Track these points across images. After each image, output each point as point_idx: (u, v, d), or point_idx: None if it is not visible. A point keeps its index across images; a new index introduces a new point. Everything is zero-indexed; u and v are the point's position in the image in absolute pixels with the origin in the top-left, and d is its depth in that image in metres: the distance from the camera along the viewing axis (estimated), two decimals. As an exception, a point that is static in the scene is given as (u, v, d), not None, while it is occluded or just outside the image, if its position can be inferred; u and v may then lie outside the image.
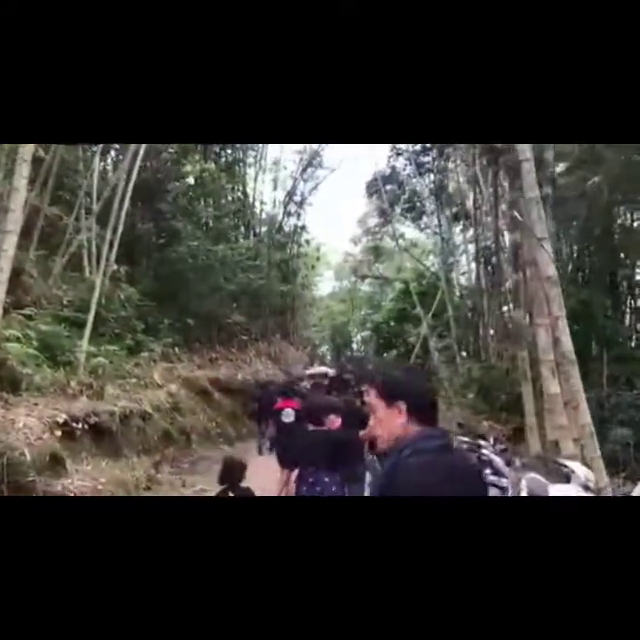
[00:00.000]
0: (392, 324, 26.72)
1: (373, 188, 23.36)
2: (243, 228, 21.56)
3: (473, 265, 18.35)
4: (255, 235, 22.45)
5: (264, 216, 23.71)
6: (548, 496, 4.11)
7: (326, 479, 4.00)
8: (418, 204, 22.02)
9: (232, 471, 4.05)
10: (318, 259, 28.02)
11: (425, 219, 22.50)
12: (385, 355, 27.22)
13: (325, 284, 47.49)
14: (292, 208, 25.02)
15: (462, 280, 21.79)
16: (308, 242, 26.33)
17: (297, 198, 25.22)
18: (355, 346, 45.69)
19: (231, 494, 3.90)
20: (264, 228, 23.53)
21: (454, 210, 20.67)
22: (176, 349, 14.10)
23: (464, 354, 18.68)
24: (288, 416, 7.62)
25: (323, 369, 22.15)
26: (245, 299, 18.79)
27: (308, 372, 20.72)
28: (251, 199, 23.05)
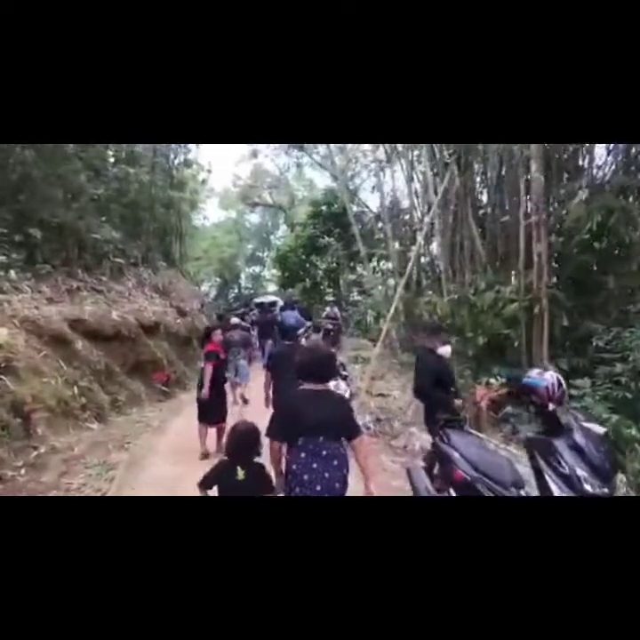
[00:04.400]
0: (300, 254, 22.63)
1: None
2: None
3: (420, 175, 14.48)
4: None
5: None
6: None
7: (342, 450, 3.27)
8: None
9: (243, 440, 3.28)
10: (210, 171, 22.76)
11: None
12: (290, 290, 23.32)
13: (209, 213, 42.21)
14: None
15: (390, 198, 17.98)
16: (197, 147, 20.99)
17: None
18: (242, 282, 41.32)
19: (241, 470, 3.20)
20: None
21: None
22: (11, 273, 9.08)
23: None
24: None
25: (271, 298, 21.04)
26: (119, 209, 13.57)
27: (256, 300, 19.72)
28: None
